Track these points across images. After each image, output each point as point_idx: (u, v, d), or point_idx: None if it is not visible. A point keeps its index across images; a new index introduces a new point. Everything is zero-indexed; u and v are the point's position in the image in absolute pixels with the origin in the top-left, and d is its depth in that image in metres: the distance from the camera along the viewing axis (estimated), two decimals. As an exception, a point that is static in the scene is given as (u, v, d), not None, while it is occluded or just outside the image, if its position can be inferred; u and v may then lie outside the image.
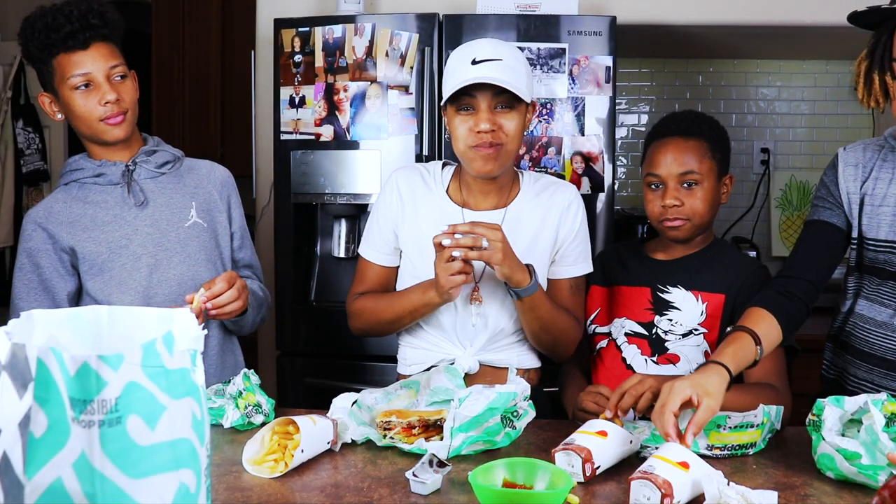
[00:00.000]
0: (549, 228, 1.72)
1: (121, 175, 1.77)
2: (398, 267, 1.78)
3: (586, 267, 1.77)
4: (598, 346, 1.80)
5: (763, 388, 1.59)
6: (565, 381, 1.83)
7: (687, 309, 1.72)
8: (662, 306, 1.74)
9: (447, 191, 1.75)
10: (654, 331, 1.73)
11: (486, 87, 1.60)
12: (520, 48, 2.41)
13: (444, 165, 1.80)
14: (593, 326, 1.83)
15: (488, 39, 1.68)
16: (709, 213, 1.74)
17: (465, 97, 1.61)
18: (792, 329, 1.56)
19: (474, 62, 1.60)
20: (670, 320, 1.72)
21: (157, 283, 1.76)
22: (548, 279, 1.73)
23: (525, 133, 1.72)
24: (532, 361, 1.78)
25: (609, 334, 1.79)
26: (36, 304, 1.72)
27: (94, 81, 1.69)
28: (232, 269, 1.91)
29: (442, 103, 1.67)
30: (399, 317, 1.70)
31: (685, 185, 1.71)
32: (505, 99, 1.61)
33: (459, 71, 1.62)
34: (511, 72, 1.61)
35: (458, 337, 1.71)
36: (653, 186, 1.74)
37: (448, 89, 1.63)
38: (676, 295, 1.74)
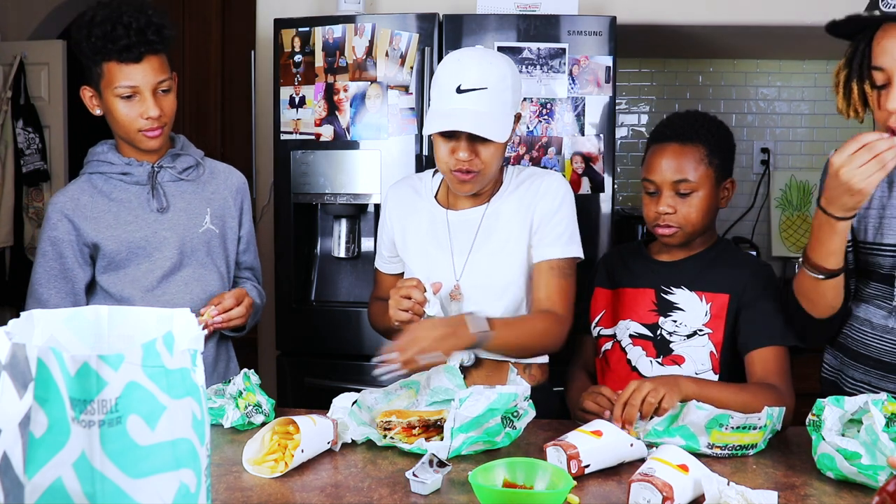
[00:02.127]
0: (526, 215, 1.73)
1: (146, 177, 1.82)
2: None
3: (570, 250, 1.73)
4: (602, 349, 1.80)
5: (763, 389, 1.59)
6: (570, 382, 1.84)
7: (691, 310, 1.72)
8: (667, 307, 1.74)
9: (436, 195, 1.82)
10: (658, 332, 1.73)
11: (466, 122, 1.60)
12: (519, 48, 2.42)
13: (435, 172, 1.86)
14: (598, 329, 1.82)
15: (479, 56, 1.64)
16: (702, 221, 1.72)
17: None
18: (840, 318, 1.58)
19: (459, 90, 1.60)
20: (675, 321, 1.72)
21: (167, 284, 1.82)
22: (533, 263, 1.75)
23: (509, 144, 1.74)
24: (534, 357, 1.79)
25: (614, 336, 1.78)
26: (55, 290, 1.79)
27: (140, 94, 1.73)
28: (234, 271, 1.98)
29: (428, 134, 1.67)
30: (385, 331, 1.82)
31: (679, 192, 1.70)
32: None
33: (444, 97, 1.62)
34: (495, 100, 1.61)
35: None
36: (649, 191, 1.74)
37: (431, 116, 1.63)
38: (680, 296, 1.74)
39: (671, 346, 1.71)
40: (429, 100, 2.41)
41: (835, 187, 1.38)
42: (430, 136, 1.69)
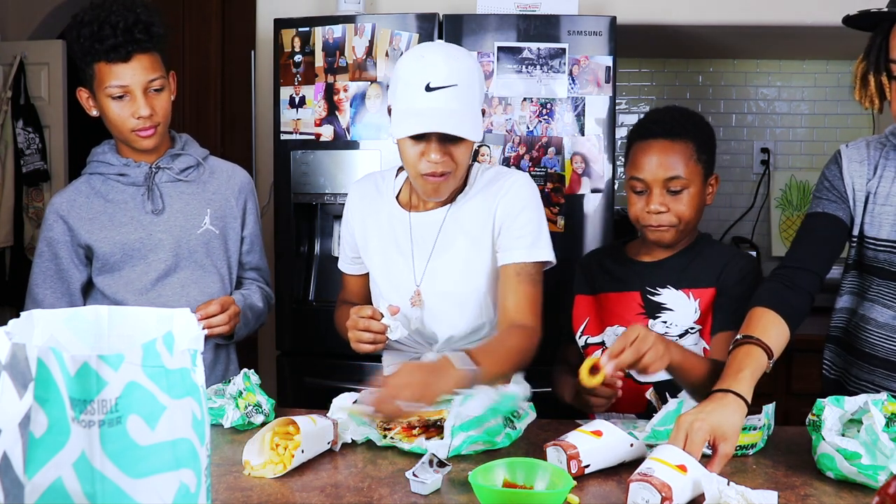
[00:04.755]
0: (488, 216, 1.64)
1: (143, 178, 1.81)
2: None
3: (537, 253, 1.62)
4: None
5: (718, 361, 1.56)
6: (558, 379, 1.78)
7: (680, 309, 1.70)
8: (654, 309, 1.71)
9: (398, 196, 1.73)
10: None
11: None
12: (519, 48, 2.42)
13: (399, 170, 1.77)
14: (584, 337, 1.77)
15: (444, 52, 1.55)
16: (695, 218, 1.70)
17: None
18: (797, 323, 1.53)
19: (428, 88, 1.51)
20: (664, 322, 1.70)
21: (163, 286, 1.81)
22: (499, 267, 1.65)
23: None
24: None
25: (602, 344, 1.74)
26: (50, 290, 1.80)
27: (131, 93, 1.71)
28: (238, 272, 1.96)
29: (399, 136, 1.57)
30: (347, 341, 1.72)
31: (671, 190, 1.66)
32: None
33: (412, 96, 1.53)
34: (465, 98, 1.53)
35: (422, 336, 1.71)
36: (636, 190, 1.69)
37: (400, 117, 1.54)
38: (667, 296, 1.71)
39: None
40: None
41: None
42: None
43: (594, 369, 1.44)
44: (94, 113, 1.78)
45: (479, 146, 2.45)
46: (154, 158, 1.83)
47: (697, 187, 1.68)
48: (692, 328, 1.69)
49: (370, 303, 1.81)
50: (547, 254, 1.65)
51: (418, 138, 1.54)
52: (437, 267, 1.66)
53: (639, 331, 1.43)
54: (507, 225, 1.63)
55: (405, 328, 1.60)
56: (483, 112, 1.62)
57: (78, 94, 1.79)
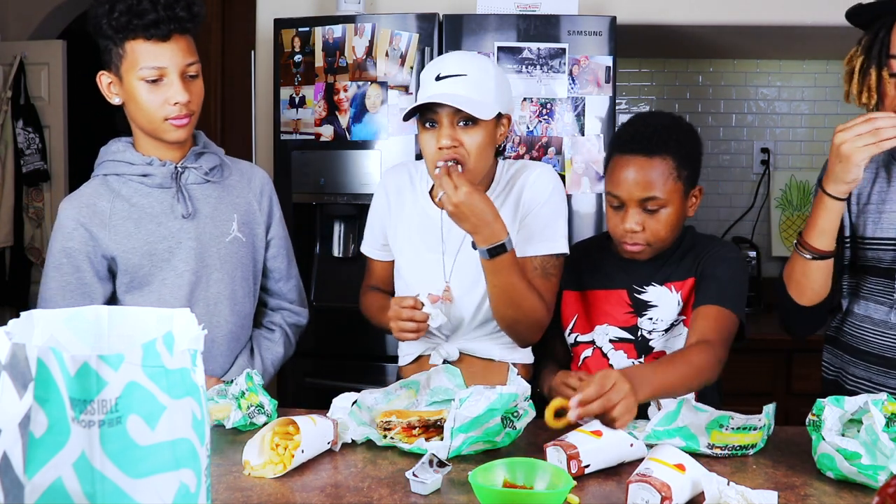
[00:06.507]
0: (515, 210, 1.69)
1: (170, 178, 1.65)
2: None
3: (554, 246, 1.68)
4: (582, 356, 1.75)
5: (693, 352, 1.50)
6: (543, 376, 1.76)
7: (664, 304, 1.69)
8: (641, 307, 1.70)
9: (430, 191, 1.75)
10: (639, 333, 1.70)
11: (447, 104, 1.57)
12: (519, 48, 2.42)
13: None
14: (574, 335, 1.76)
15: (459, 53, 1.66)
16: (671, 235, 1.66)
17: (429, 113, 1.60)
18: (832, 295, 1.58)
19: (438, 78, 1.60)
20: (651, 319, 1.69)
21: (195, 301, 1.67)
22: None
23: (498, 146, 1.68)
24: (518, 356, 1.76)
25: (593, 342, 1.74)
26: (72, 307, 1.67)
27: (167, 77, 1.57)
28: (270, 300, 1.88)
29: (404, 118, 1.63)
30: (379, 326, 1.79)
31: (647, 209, 1.62)
32: (467, 115, 1.57)
33: (424, 87, 1.63)
34: (476, 87, 1.58)
35: (441, 328, 1.73)
36: (613, 205, 1.65)
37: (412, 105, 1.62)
38: (653, 293, 1.70)
39: (651, 343, 1.69)
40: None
41: (831, 156, 1.46)
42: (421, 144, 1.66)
43: (560, 412, 1.35)
44: (116, 101, 1.62)
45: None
46: (178, 157, 1.67)
47: (676, 205, 1.63)
48: (676, 321, 1.69)
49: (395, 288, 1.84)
50: (563, 245, 1.70)
51: (433, 128, 1.60)
52: (464, 261, 1.69)
53: (614, 379, 1.31)
54: (531, 216, 1.68)
55: (444, 315, 1.65)
56: (508, 119, 1.67)
57: (98, 78, 1.62)
